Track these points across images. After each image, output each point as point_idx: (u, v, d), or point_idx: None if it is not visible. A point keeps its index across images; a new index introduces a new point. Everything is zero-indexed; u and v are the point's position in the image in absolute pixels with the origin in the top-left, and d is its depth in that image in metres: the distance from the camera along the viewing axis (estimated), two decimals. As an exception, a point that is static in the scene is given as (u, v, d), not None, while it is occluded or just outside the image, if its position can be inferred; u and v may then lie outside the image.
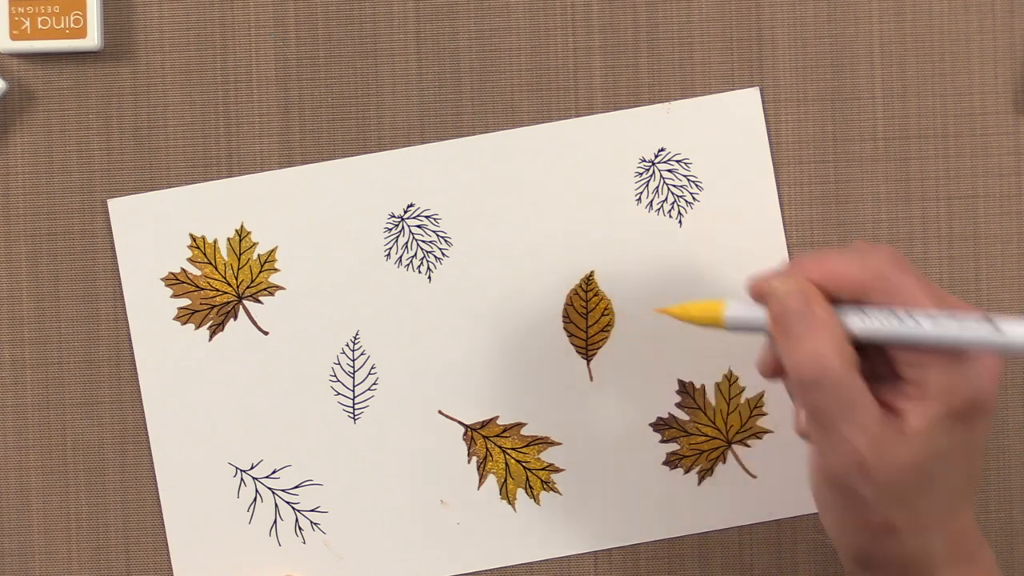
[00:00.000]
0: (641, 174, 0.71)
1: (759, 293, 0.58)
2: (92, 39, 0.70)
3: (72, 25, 0.70)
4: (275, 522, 0.71)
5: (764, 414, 0.71)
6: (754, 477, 0.71)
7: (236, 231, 0.71)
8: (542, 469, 0.71)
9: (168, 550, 0.72)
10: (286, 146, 0.72)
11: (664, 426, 0.71)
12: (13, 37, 0.70)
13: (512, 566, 0.71)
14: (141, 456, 0.72)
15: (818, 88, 0.71)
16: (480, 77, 0.72)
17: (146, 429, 0.71)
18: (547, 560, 0.72)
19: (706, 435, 0.71)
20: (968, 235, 0.72)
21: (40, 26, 0.70)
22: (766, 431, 0.71)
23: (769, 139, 0.71)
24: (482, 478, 0.71)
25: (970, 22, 0.71)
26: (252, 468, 0.71)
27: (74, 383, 0.72)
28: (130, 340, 0.72)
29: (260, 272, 0.71)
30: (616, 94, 0.71)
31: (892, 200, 0.72)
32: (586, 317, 0.71)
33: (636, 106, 0.71)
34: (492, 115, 0.72)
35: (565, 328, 0.71)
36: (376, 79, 0.72)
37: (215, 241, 0.71)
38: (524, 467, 0.71)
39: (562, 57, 0.72)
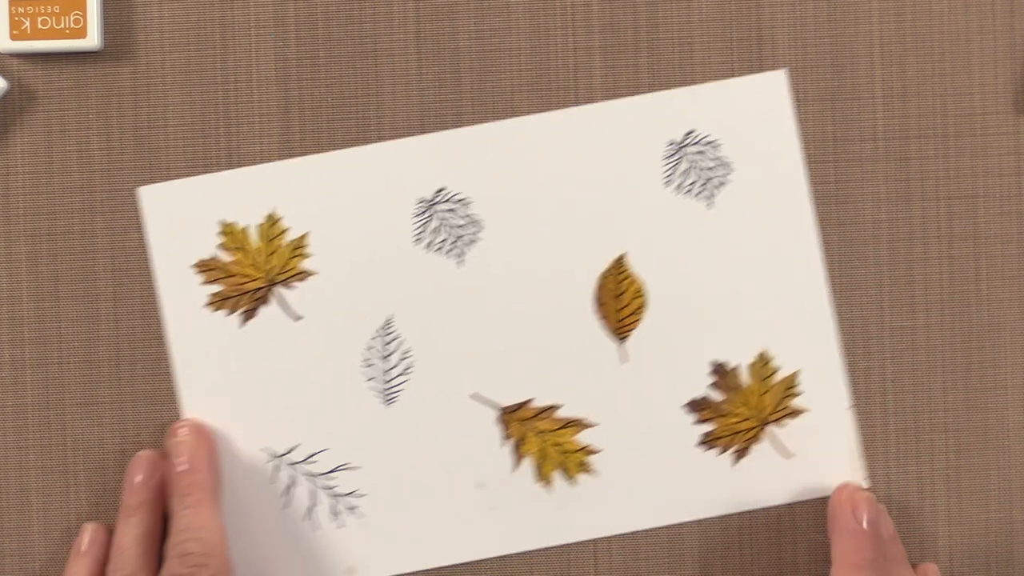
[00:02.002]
0: (670, 156, 0.71)
1: None
2: (92, 39, 0.70)
3: (72, 25, 0.70)
4: (312, 507, 0.71)
5: (799, 393, 0.71)
6: (790, 456, 0.71)
7: (267, 217, 0.71)
8: (577, 451, 0.71)
9: (168, 550, 0.72)
10: (286, 146, 0.72)
11: (699, 407, 0.71)
12: (13, 37, 0.70)
13: (547, 548, 0.71)
14: (141, 456, 0.72)
15: (818, 88, 0.71)
16: (480, 77, 0.72)
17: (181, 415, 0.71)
18: (547, 550, 0.72)
19: (741, 415, 0.71)
20: (968, 235, 0.72)
21: (40, 26, 0.70)
22: (801, 410, 0.71)
23: (797, 121, 0.71)
24: (517, 461, 0.71)
25: (970, 22, 0.71)
26: (288, 453, 0.71)
27: (74, 383, 0.72)
28: (129, 340, 0.72)
29: (291, 258, 0.71)
30: (616, 94, 0.71)
31: (892, 200, 0.72)
32: (618, 300, 0.71)
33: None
34: (492, 115, 0.72)
35: (597, 311, 0.71)
36: (376, 79, 0.72)
37: (246, 227, 0.71)
38: (559, 449, 0.71)
39: (562, 57, 0.72)
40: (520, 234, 0.71)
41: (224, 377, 0.71)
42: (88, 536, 0.70)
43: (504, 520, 0.71)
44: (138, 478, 0.70)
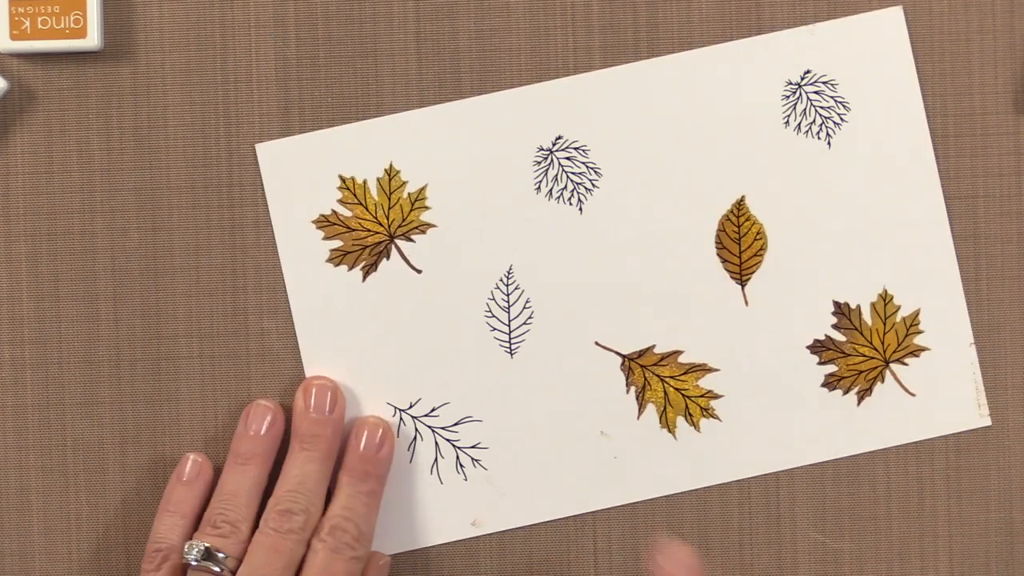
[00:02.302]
0: (788, 97, 0.71)
1: None
2: (92, 39, 0.70)
3: (72, 25, 0.70)
4: (436, 460, 0.71)
5: (921, 332, 0.71)
6: (913, 396, 0.71)
7: (386, 171, 0.71)
8: (701, 396, 0.71)
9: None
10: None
11: (821, 348, 0.71)
12: (13, 37, 0.70)
13: (668, 496, 0.71)
14: (141, 456, 0.72)
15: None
16: (480, 77, 0.72)
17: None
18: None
19: (863, 355, 0.71)
20: (968, 235, 0.72)
21: (40, 26, 0.70)
22: (924, 348, 0.71)
23: (915, 58, 0.71)
24: (641, 408, 0.71)
25: (970, 22, 0.71)
26: (411, 407, 0.71)
27: (74, 383, 0.72)
28: (129, 340, 0.72)
29: (411, 211, 0.71)
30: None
31: (892, 200, 0.72)
32: (739, 242, 0.71)
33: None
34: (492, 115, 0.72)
35: (718, 254, 0.71)
36: (376, 79, 0.72)
37: (364, 181, 0.71)
38: (683, 395, 0.71)
39: (562, 57, 0.72)
40: (639, 180, 0.71)
41: (346, 332, 0.71)
42: (193, 467, 0.70)
43: (629, 469, 0.71)
44: (255, 427, 0.70)
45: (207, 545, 0.67)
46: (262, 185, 0.72)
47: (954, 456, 0.72)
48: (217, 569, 0.66)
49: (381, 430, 0.70)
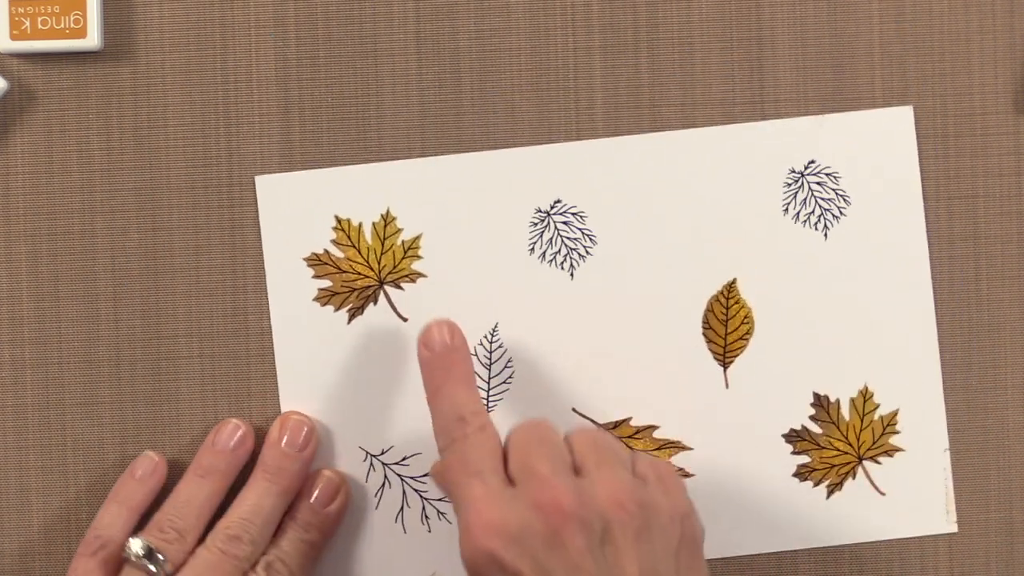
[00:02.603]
0: (790, 185, 0.71)
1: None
2: (92, 39, 0.70)
3: (72, 25, 0.70)
4: (402, 508, 0.71)
5: (897, 432, 0.71)
6: (883, 495, 0.71)
7: (382, 216, 0.71)
8: None
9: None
10: (286, 146, 0.72)
11: (797, 438, 0.71)
12: (13, 37, 0.70)
13: None
14: (141, 456, 0.72)
15: (818, 88, 0.71)
16: (480, 77, 0.72)
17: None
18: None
19: (838, 449, 0.71)
20: (968, 235, 0.72)
21: (40, 26, 0.70)
22: (898, 449, 0.71)
23: (920, 160, 0.71)
24: None
25: (970, 22, 0.71)
26: (382, 454, 0.71)
27: (74, 383, 0.72)
28: (129, 340, 0.72)
29: (403, 258, 0.71)
30: (616, 94, 0.71)
31: (892, 200, 0.72)
32: (726, 324, 0.71)
33: (637, 108, 0.71)
34: (492, 115, 0.72)
35: (704, 333, 0.71)
36: (376, 79, 0.72)
37: (360, 224, 0.71)
38: None
39: (562, 57, 0.72)
40: (633, 251, 0.71)
41: (325, 372, 0.71)
42: (148, 464, 0.70)
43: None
44: (222, 444, 0.70)
45: (151, 545, 0.67)
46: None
47: (954, 456, 0.72)
48: (153, 569, 0.66)
49: (337, 486, 0.70)
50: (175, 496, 0.69)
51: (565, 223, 0.71)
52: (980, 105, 0.71)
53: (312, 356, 0.71)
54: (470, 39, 0.72)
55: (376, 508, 0.71)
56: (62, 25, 0.70)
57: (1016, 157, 0.72)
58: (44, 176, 0.72)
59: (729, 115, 0.71)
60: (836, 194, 0.71)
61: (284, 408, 0.71)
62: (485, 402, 0.71)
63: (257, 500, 0.68)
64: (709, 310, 0.71)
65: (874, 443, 0.71)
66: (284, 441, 0.69)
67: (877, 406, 0.71)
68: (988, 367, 0.71)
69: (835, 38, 0.71)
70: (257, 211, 0.72)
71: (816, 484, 0.71)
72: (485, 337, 0.71)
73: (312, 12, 0.72)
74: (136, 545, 0.67)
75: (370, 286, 0.71)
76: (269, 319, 0.72)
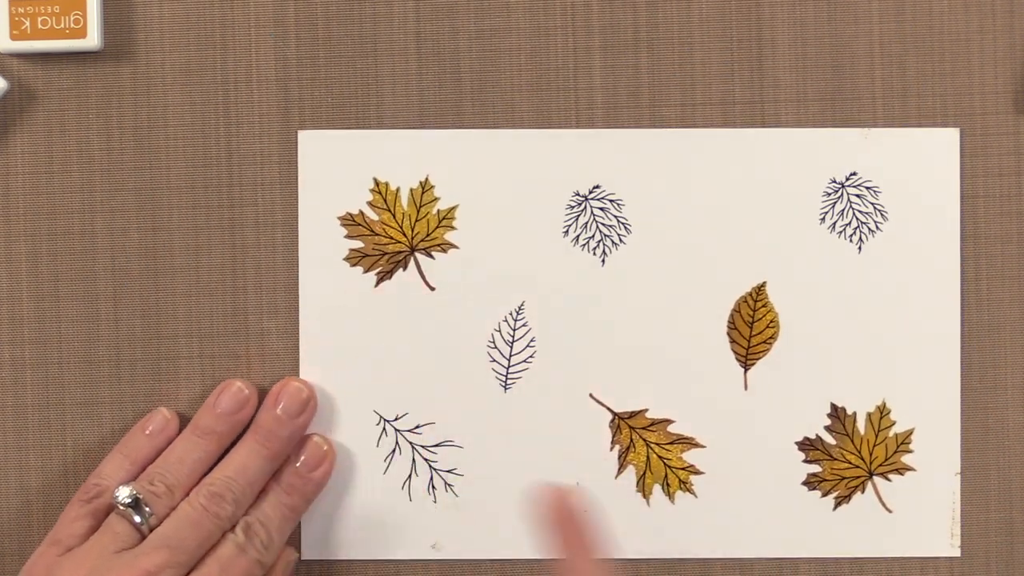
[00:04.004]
0: (829, 195, 0.71)
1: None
2: (92, 39, 0.70)
3: (72, 25, 0.70)
4: (410, 476, 0.72)
5: (911, 451, 0.71)
6: (890, 512, 0.71)
7: (420, 183, 0.71)
8: (683, 469, 0.71)
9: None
10: (286, 146, 0.72)
11: (810, 447, 0.71)
12: (13, 37, 0.70)
13: (641, 559, 0.71)
14: (141, 456, 0.72)
15: (818, 88, 0.71)
16: (480, 77, 0.72)
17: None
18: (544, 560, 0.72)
19: (850, 462, 0.71)
20: (968, 235, 0.72)
21: (40, 26, 0.70)
22: (910, 468, 0.71)
23: (962, 182, 0.71)
24: (622, 467, 0.71)
25: (970, 22, 0.71)
26: (396, 420, 0.71)
27: (74, 383, 0.72)
28: (129, 340, 0.72)
29: (437, 227, 0.71)
30: (616, 94, 0.71)
31: (892, 200, 0.72)
32: (751, 326, 0.71)
33: (637, 108, 0.71)
34: (492, 115, 0.72)
35: (728, 333, 0.71)
36: (376, 79, 0.72)
37: (397, 189, 0.71)
38: (665, 463, 0.71)
39: (562, 57, 0.72)
40: (666, 244, 0.71)
41: (347, 333, 0.71)
42: (160, 421, 0.70)
43: (600, 523, 0.71)
44: (223, 407, 0.70)
45: (139, 495, 0.67)
46: (263, 184, 0.72)
47: (954, 456, 0.72)
48: (138, 519, 0.66)
49: (324, 453, 0.70)
50: (169, 452, 0.69)
51: (602, 209, 0.71)
52: (980, 105, 0.71)
53: (335, 315, 0.71)
54: (470, 39, 0.72)
55: (384, 473, 0.71)
56: (62, 25, 0.70)
57: (1016, 157, 0.72)
58: (44, 176, 0.72)
59: (729, 115, 0.71)
60: (875, 208, 0.71)
61: (303, 363, 0.71)
62: (503, 380, 0.71)
63: (244, 461, 0.69)
64: (736, 311, 0.71)
65: (886, 459, 0.71)
66: (280, 407, 0.70)
67: (893, 423, 0.71)
68: (988, 367, 0.71)
69: (835, 38, 0.71)
70: (257, 211, 0.72)
71: (824, 495, 0.71)
72: (510, 314, 0.71)
73: (312, 12, 0.72)
74: (123, 493, 0.67)
75: (401, 252, 0.71)
76: (269, 319, 0.72)
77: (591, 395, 0.71)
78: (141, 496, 0.67)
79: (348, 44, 0.72)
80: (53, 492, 0.72)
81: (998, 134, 0.71)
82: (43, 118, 0.72)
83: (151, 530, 0.67)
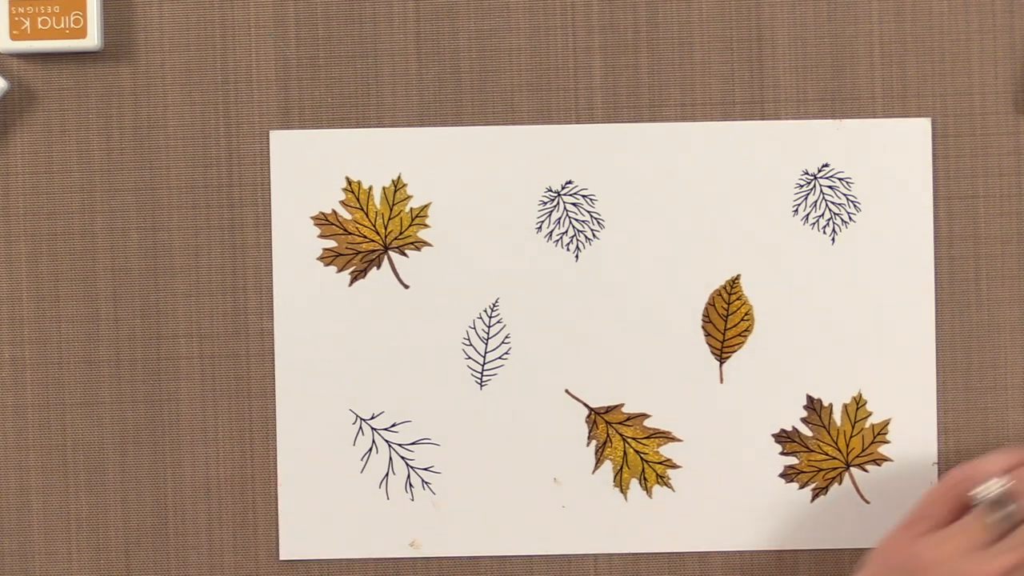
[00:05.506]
0: (802, 186, 0.71)
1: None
2: (92, 39, 0.70)
3: (72, 25, 0.70)
4: (387, 475, 0.72)
5: (887, 442, 0.71)
6: (867, 503, 0.71)
7: (393, 181, 0.71)
8: (659, 463, 0.71)
9: (169, 549, 0.72)
10: (286, 146, 0.72)
11: (787, 439, 0.71)
12: (13, 37, 0.70)
13: (616, 555, 0.71)
14: (141, 456, 0.72)
15: (818, 88, 0.71)
16: (480, 77, 0.72)
17: (273, 378, 0.71)
18: (550, 557, 0.72)
19: (827, 454, 0.71)
20: (968, 235, 0.72)
21: (40, 26, 0.70)
22: (886, 459, 0.71)
23: (934, 172, 0.71)
24: (599, 463, 0.71)
25: (970, 22, 0.71)
26: (372, 418, 0.72)
27: (74, 383, 0.72)
28: (129, 340, 0.72)
29: (410, 225, 0.71)
30: (616, 94, 0.72)
31: (892, 200, 0.72)
32: (726, 319, 0.71)
33: (637, 107, 0.71)
34: (492, 115, 0.72)
35: (703, 327, 0.71)
36: (376, 79, 0.72)
37: (370, 188, 0.71)
38: (642, 458, 0.71)
39: (562, 57, 0.72)
40: (639, 239, 0.71)
41: (322, 332, 0.71)
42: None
43: (574, 520, 0.71)
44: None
45: (1007, 490, 0.63)
46: (262, 184, 0.72)
47: (954, 456, 0.72)
48: (998, 516, 0.62)
49: None
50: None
51: (575, 204, 0.71)
52: (980, 105, 0.71)
53: (310, 314, 0.71)
54: (470, 39, 0.72)
55: (361, 472, 0.71)
56: (62, 25, 0.70)
57: (1016, 157, 0.72)
58: (44, 176, 0.72)
59: (729, 114, 0.71)
60: (847, 199, 0.71)
61: (279, 364, 0.71)
62: (479, 377, 0.71)
63: None
64: (711, 304, 0.71)
65: (863, 451, 0.71)
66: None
67: (869, 414, 0.71)
68: (988, 367, 0.71)
69: (835, 38, 0.72)
70: (257, 211, 0.72)
71: (802, 487, 0.71)
72: (485, 311, 0.71)
73: (312, 12, 0.72)
74: (995, 486, 0.63)
75: (375, 250, 0.71)
76: (269, 320, 0.72)
77: (567, 391, 0.71)
78: (1011, 491, 0.63)
79: (348, 44, 0.72)
80: (53, 492, 0.72)
81: (998, 134, 0.71)
82: (43, 118, 0.72)
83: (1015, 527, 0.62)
